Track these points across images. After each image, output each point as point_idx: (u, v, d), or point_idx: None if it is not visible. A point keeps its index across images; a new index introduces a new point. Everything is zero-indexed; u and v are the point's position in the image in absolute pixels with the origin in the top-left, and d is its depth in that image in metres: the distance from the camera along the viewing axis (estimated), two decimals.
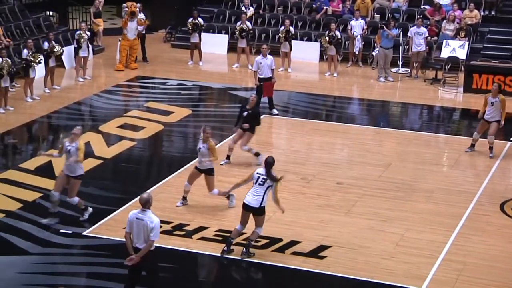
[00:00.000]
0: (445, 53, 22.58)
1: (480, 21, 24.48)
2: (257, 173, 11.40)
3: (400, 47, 23.67)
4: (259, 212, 11.38)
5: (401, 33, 23.74)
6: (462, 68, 22.24)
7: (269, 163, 11.38)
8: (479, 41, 24.20)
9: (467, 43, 22.72)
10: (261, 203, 11.29)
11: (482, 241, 12.22)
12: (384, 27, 22.65)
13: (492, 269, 11.24)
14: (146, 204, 9.68)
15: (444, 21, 23.94)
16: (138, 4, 23.78)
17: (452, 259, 11.49)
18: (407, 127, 18.54)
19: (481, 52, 23.63)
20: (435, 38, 23.77)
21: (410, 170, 15.37)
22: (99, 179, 14.53)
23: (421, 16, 24.38)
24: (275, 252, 11.72)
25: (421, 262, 11.37)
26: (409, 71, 23.31)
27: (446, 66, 22.58)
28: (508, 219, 13.08)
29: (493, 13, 25.22)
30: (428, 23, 23.95)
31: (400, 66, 23.73)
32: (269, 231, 12.08)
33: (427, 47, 23.24)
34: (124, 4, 24.24)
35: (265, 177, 11.31)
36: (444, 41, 22.85)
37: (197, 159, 13.30)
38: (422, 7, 25.37)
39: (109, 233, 12.23)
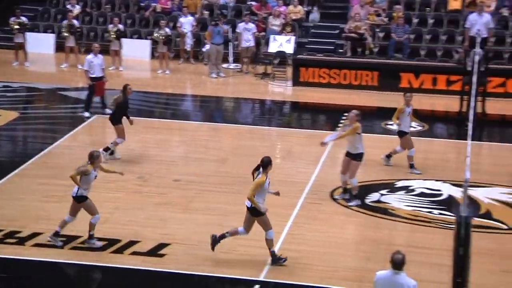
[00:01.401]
0: (273, 48, 23.22)
1: (304, 16, 25.38)
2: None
3: (230, 43, 24.08)
4: (250, 212, 11.14)
5: (230, 29, 24.16)
6: (290, 62, 22.96)
7: (263, 164, 11.10)
8: (305, 36, 25.09)
9: (293, 37, 23.48)
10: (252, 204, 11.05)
11: (315, 229, 12.71)
12: (219, 23, 22.98)
13: (325, 255, 11.71)
14: None
15: (271, 16, 24.60)
16: None
17: (288, 248, 11.86)
18: (241, 122, 18.92)
19: (307, 46, 24.52)
20: (263, 33, 24.38)
21: (246, 164, 15.65)
22: None
23: (249, 12, 24.92)
24: (113, 254, 11.58)
25: (259, 254, 11.64)
26: (240, 67, 23.77)
27: (274, 61, 23.24)
28: (338, 206, 13.68)
29: (315, 8, 26.22)
30: (255, 19, 24.52)
31: (231, 61, 24.15)
32: (107, 232, 11.95)
33: (256, 43, 23.81)
34: None
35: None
36: (272, 36, 23.49)
37: None
38: (249, 3, 25.92)
39: None
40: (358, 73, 21.93)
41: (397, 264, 8.20)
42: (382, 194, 14.04)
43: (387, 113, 19.29)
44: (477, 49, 17.41)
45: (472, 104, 15.26)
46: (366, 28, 23.70)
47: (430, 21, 24.62)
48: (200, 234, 12.25)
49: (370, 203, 13.70)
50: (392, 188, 14.36)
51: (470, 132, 13.13)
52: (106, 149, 15.28)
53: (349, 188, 13.73)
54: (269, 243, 11.27)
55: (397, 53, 23.24)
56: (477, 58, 17.00)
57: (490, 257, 11.54)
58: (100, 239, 11.77)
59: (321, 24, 25.29)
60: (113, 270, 11.20)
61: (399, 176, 14.97)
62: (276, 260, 11.30)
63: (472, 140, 13.68)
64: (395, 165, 15.57)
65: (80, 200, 11.54)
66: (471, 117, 13.88)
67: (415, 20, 24.69)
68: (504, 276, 11.07)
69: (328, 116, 20.19)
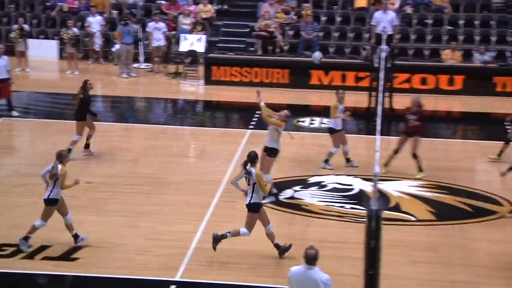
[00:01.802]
0: (184, 47, 23.16)
1: (215, 15, 25.42)
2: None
3: (140, 42, 23.89)
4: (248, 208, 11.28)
5: (140, 28, 23.96)
6: (202, 61, 22.96)
7: (251, 159, 11.22)
8: (215, 35, 25.13)
9: (204, 36, 23.48)
10: (250, 200, 11.22)
11: (231, 226, 12.69)
12: (129, 23, 22.75)
13: (241, 253, 11.75)
14: None
15: (181, 15, 24.53)
16: None
17: (204, 247, 11.86)
18: (153, 122, 18.80)
19: (218, 45, 24.58)
20: (174, 32, 24.29)
21: (159, 163, 15.63)
22: None
23: (159, 11, 24.78)
24: (24, 260, 11.31)
25: (175, 254, 11.62)
26: (151, 66, 23.60)
27: (186, 60, 23.18)
28: None
29: (226, 7, 26.32)
30: (165, 18, 24.40)
31: (142, 61, 23.96)
32: (14, 238, 11.65)
33: (167, 42, 23.70)
34: None
35: (245, 174, 11.20)
36: (182, 35, 23.42)
37: None
38: (158, 2, 25.77)
39: None
40: (269, 71, 22.12)
41: (310, 259, 8.31)
42: (295, 191, 14.22)
43: (299, 110, 19.61)
44: (383, 46, 17.83)
45: (380, 99, 15.63)
46: (276, 26, 23.93)
47: (338, 19, 25.07)
48: (115, 237, 12.12)
49: (283, 200, 13.85)
50: (305, 184, 14.55)
51: (378, 127, 13.44)
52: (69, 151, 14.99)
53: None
54: (271, 236, 11.41)
55: (306, 51, 23.57)
56: (383, 54, 17.41)
57: (400, 248, 11.85)
58: (9, 246, 11.47)
59: (232, 22, 25.38)
60: (24, 276, 10.95)
61: (312, 172, 15.19)
62: (283, 251, 11.38)
63: (381, 135, 14.00)
64: (308, 161, 15.79)
65: (51, 203, 11.34)
66: (379, 112, 14.21)
67: (323, 18, 25.08)
68: (414, 266, 11.40)
69: (240, 114, 20.30)
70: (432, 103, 21.07)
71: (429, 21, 24.48)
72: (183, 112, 20.52)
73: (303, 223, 12.93)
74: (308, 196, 14.01)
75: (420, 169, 14.93)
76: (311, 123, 18.71)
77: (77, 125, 15.40)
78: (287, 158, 15.75)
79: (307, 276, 8.32)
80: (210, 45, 24.22)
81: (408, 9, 24.89)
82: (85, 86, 15.49)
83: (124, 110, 20.08)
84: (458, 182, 14.78)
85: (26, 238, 11.46)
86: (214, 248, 11.40)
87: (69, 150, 15.01)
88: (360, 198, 13.90)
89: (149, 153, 16.21)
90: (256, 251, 11.80)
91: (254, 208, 11.38)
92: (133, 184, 14.40)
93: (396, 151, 14.95)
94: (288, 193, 14.11)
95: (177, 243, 12.01)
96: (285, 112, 13.67)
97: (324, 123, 18.55)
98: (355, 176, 14.86)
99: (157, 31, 23.24)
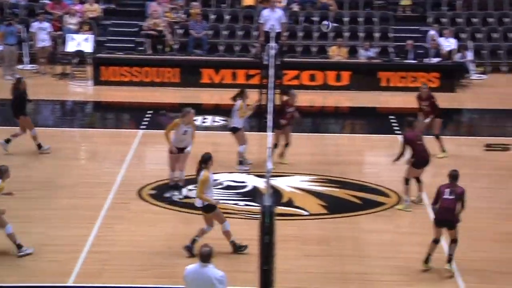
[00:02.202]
0: (71, 47, 22.69)
1: (102, 14, 25.04)
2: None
3: (24, 43, 23.26)
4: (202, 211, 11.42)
5: (24, 28, 23.32)
6: (90, 61, 22.56)
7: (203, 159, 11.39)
8: (103, 34, 24.75)
9: (91, 36, 23.07)
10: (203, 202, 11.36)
11: (124, 228, 12.63)
12: (12, 23, 22.12)
13: (136, 254, 11.67)
14: None
15: (67, 15, 24.02)
16: None
17: (97, 251, 11.71)
18: (41, 124, 18.33)
19: (106, 44, 24.23)
20: (60, 32, 23.76)
21: (49, 167, 15.28)
22: None
23: (43, 11, 24.16)
24: None
25: (67, 258, 11.39)
26: (36, 67, 23.01)
27: (73, 60, 22.73)
28: (147, 204, 13.69)
29: (113, 6, 25.97)
30: (50, 17, 23.84)
31: (27, 62, 23.33)
32: None
33: (53, 42, 23.17)
34: None
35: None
36: (69, 35, 22.94)
37: None
38: (42, 1, 25.14)
39: None
40: (159, 70, 21.98)
41: (204, 256, 8.40)
42: (189, 190, 14.19)
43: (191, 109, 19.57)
44: (272, 44, 18.05)
45: (270, 96, 15.80)
46: (164, 25, 23.82)
47: (227, 17, 25.20)
48: (5, 244, 11.74)
49: (178, 200, 13.82)
50: (173, 184, 14.46)
51: (270, 123, 13.60)
52: (7, 140, 15.62)
53: (180, 184, 13.80)
54: (227, 234, 11.46)
55: (196, 49, 23.57)
56: (272, 52, 17.63)
57: (294, 243, 12.06)
58: None
59: (120, 22, 25.08)
60: None
61: None
62: (238, 249, 11.47)
63: (272, 131, 14.19)
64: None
65: None
66: (270, 109, 14.37)
67: (212, 17, 25.16)
68: (307, 260, 11.63)
69: (131, 115, 20.11)
70: (321, 99, 21.56)
71: (316, 19, 24.97)
72: (72, 114, 20.12)
73: (199, 222, 12.91)
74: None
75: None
76: (204, 122, 18.74)
77: (21, 121, 15.85)
78: None
79: (201, 274, 8.39)
80: (98, 45, 23.83)
81: (295, 7, 25.31)
82: (19, 83, 15.99)
83: (10, 113, 19.46)
84: (348, 176, 15.16)
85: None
86: (193, 256, 11.26)
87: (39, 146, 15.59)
88: (253, 194, 14.04)
89: (38, 157, 15.81)
90: (151, 252, 11.74)
91: (207, 210, 11.45)
92: (23, 189, 13.97)
93: (275, 145, 15.19)
94: (182, 192, 14.07)
95: (70, 247, 11.78)
96: (191, 112, 13.80)
97: (216, 121, 18.63)
98: (248, 173, 15.00)
99: (42, 31, 22.68)
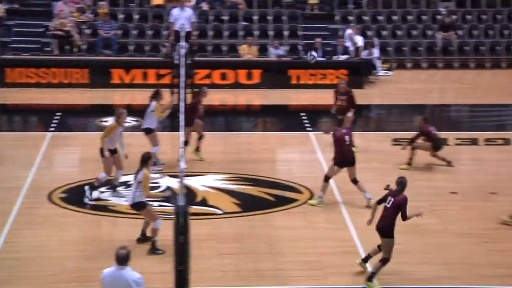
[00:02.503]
0: None
1: (5, 14, 24.36)
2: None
3: None
4: (134, 208, 11.52)
5: None
6: None
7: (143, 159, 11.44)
8: (7, 35, 24.09)
9: None
10: (133, 199, 11.45)
11: (34, 233, 12.33)
12: None
13: (47, 259, 11.42)
14: None
15: None
16: None
17: (5, 257, 11.40)
18: None
19: (10, 45, 23.58)
20: None
21: None
22: None
23: None
24: None
25: None
26: None
27: None
28: (57, 207, 13.41)
29: (16, 6, 25.32)
30: None
31: None
32: None
33: None
34: None
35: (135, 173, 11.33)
36: None
37: None
38: None
39: None
40: (68, 71, 21.57)
41: (121, 259, 8.31)
42: (101, 192, 13.98)
43: (101, 110, 19.33)
44: (182, 43, 17.98)
45: (182, 96, 15.72)
46: (72, 25, 23.37)
47: (136, 16, 24.93)
48: None
49: (89, 202, 13.59)
50: (111, 184, 14.34)
51: (182, 123, 13.54)
52: None
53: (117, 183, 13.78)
54: (155, 232, 11.50)
55: (106, 50, 23.23)
56: (183, 51, 17.55)
57: (208, 242, 12.04)
58: None
59: (24, 22, 24.45)
60: None
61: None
62: (155, 250, 11.53)
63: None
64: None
65: None
66: (181, 108, 14.29)
67: (121, 16, 24.84)
68: (221, 258, 11.63)
69: (39, 117, 19.66)
70: (232, 97, 21.62)
71: (225, 17, 25.01)
72: None
73: (111, 224, 12.77)
74: (115, 197, 13.83)
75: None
76: None
77: None
78: (91, 159, 15.46)
79: (118, 277, 8.31)
80: (2, 46, 23.17)
81: (204, 6, 25.27)
82: None
83: None
84: (261, 173, 15.24)
85: None
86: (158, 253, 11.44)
87: None
88: (167, 195, 13.94)
89: None
90: (63, 256, 11.50)
91: (137, 208, 11.57)
92: None
93: (186, 143, 15.09)
94: (94, 194, 13.84)
95: None
96: (123, 112, 13.80)
97: (127, 122, 18.39)
98: (161, 173, 14.89)
99: None
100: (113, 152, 13.62)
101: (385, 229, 10.57)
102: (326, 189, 13.56)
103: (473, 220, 13.14)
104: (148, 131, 15.16)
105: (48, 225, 12.70)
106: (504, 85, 23.16)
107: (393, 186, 10.89)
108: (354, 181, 13.46)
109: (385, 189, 11.46)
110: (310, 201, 13.72)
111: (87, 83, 21.56)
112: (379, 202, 10.93)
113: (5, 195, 13.76)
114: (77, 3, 24.49)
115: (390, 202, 10.61)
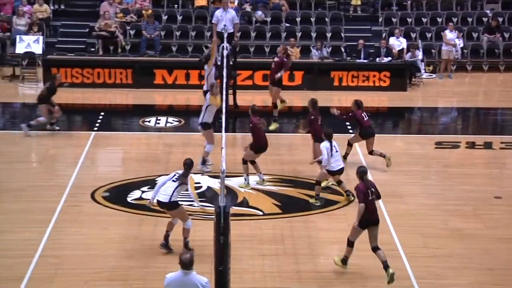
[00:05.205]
0: (20, 48, 22.36)
1: (51, 15, 24.71)
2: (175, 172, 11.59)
3: None
4: (168, 207, 11.47)
5: None
6: (40, 63, 22.23)
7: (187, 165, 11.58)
8: (53, 35, 24.43)
9: (41, 37, 22.75)
10: (170, 198, 11.38)
11: (76, 232, 12.47)
12: None
13: (89, 258, 11.53)
14: None
15: (14, 16, 23.65)
16: None
17: (49, 255, 11.54)
18: None
19: (56, 46, 23.91)
20: (8, 34, 23.39)
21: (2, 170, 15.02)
22: None
23: None
24: None
25: (17, 263, 11.21)
26: None
27: (23, 62, 22.38)
28: (100, 206, 13.54)
29: (62, 7, 25.66)
30: None
31: None
32: None
33: (1, 44, 22.80)
34: None
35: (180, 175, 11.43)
36: (18, 36, 22.59)
37: None
38: None
39: None
40: (112, 71, 21.75)
41: (186, 264, 8.40)
42: (143, 191, 14.09)
43: (144, 110, 19.49)
44: (225, 44, 18.02)
45: (224, 97, 15.76)
46: (116, 26, 23.61)
47: (179, 17, 25.08)
48: None
49: (132, 201, 13.71)
50: (152, 184, 14.43)
51: (223, 124, 13.57)
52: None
53: None
54: (186, 233, 11.59)
55: (149, 50, 23.40)
56: (225, 52, 17.60)
57: (249, 243, 12.05)
58: None
59: (70, 23, 24.78)
60: None
61: (159, 172, 15.10)
62: (165, 246, 11.62)
63: (226, 132, 14.15)
64: (155, 161, 15.70)
65: None
66: (224, 109, 14.32)
67: (164, 17, 25.01)
68: (262, 259, 11.63)
69: (84, 117, 19.86)
70: None
71: (268, 19, 25.00)
72: (22, 116, 19.78)
73: (153, 224, 12.84)
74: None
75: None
76: (157, 123, 18.61)
77: None
78: (134, 159, 15.59)
79: (185, 281, 8.42)
80: (48, 46, 23.50)
81: (248, 7, 25.31)
82: None
83: None
84: (301, 175, 15.20)
85: None
86: (170, 251, 11.54)
87: None
88: (208, 195, 13.99)
89: None
90: (105, 255, 11.61)
91: (172, 206, 11.56)
92: None
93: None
94: (136, 194, 13.96)
95: (20, 252, 11.59)
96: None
97: (169, 123, 18.53)
98: (202, 173, 14.94)
99: None
100: None
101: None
102: (247, 171, 14.32)
103: None
104: (205, 126, 15.13)
105: (90, 223, 12.83)
106: None
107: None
108: (245, 161, 14.32)
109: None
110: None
111: (130, 83, 21.74)
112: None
113: (49, 193, 13.94)
114: (121, 3, 24.72)
115: (371, 193, 10.93)
